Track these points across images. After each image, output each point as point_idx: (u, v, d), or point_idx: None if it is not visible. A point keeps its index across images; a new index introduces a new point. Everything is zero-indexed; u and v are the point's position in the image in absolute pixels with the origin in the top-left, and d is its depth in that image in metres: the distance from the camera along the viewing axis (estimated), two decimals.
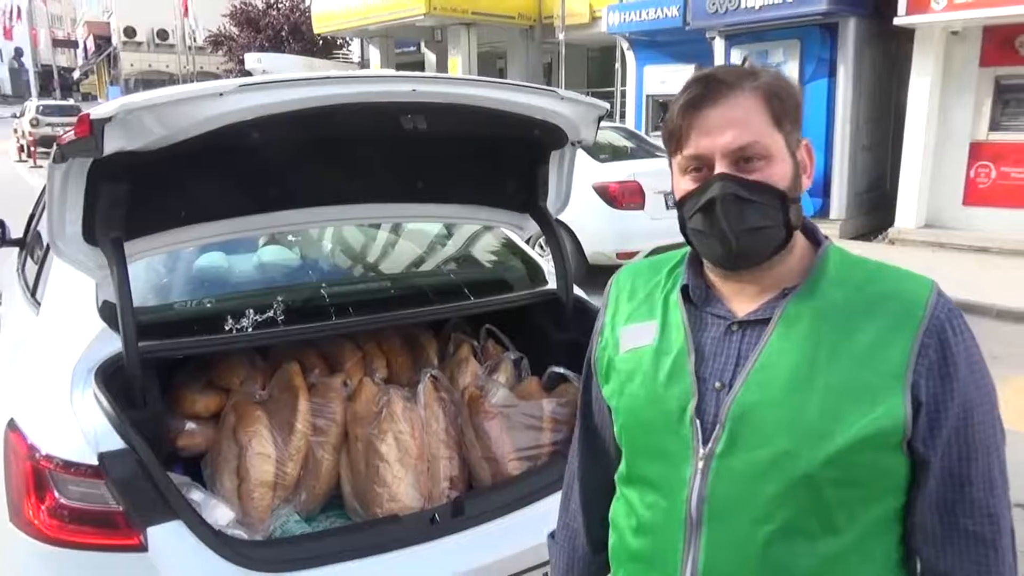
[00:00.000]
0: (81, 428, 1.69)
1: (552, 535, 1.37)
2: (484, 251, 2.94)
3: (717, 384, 0.99)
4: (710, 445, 0.97)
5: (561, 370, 2.44)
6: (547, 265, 2.66)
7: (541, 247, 5.30)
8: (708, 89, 0.96)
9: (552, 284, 2.57)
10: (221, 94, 1.61)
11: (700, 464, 0.98)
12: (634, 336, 1.09)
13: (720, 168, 0.95)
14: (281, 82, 1.67)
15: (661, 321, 1.07)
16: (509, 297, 2.54)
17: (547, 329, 2.55)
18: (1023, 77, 8.61)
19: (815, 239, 1.04)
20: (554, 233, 2.48)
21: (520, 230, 2.67)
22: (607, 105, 2.20)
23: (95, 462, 1.64)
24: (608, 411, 1.16)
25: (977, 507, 0.94)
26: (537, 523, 2.03)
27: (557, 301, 2.50)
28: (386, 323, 2.29)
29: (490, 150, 2.33)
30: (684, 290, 1.06)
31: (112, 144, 1.60)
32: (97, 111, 1.57)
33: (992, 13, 8.17)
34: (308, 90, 1.69)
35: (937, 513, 0.95)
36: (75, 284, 2.11)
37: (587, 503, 1.27)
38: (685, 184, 1.00)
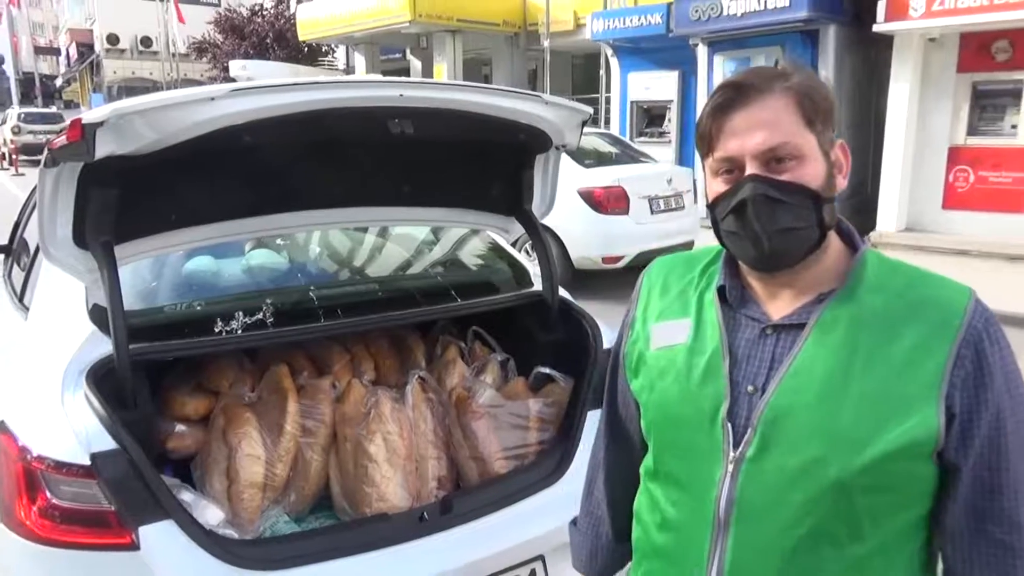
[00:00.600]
0: (73, 429, 1.71)
1: (574, 522, 1.39)
2: (471, 254, 2.97)
3: (750, 388, 0.99)
4: (741, 448, 0.98)
5: (547, 371, 2.47)
6: (533, 267, 2.70)
7: (528, 251, 5.34)
8: (738, 92, 0.96)
9: (538, 286, 2.61)
10: (212, 98, 1.64)
11: (730, 467, 0.98)
12: (667, 333, 1.09)
13: (751, 169, 0.96)
14: (272, 87, 1.70)
15: (695, 320, 1.07)
16: (495, 299, 2.57)
17: (533, 330, 2.59)
18: (999, 83, 8.74)
19: (852, 242, 1.05)
20: (539, 236, 2.52)
21: (506, 233, 2.70)
22: (590, 110, 2.25)
23: (87, 462, 1.66)
24: (635, 404, 1.17)
25: (1006, 516, 0.94)
26: (524, 520, 2.08)
27: (543, 303, 2.53)
28: (374, 325, 2.32)
29: (476, 154, 2.37)
30: (720, 290, 1.06)
31: (104, 148, 1.62)
32: (89, 115, 1.59)
33: (969, 20, 8.31)
34: (298, 95, 1.72)
35: (965, 520, 0.95)
36: (64, 288, 2.12)
37: (612, 492, 1.29)
38: (717, 186, 1.00)
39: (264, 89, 1.69)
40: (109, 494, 1.66)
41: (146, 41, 33.86)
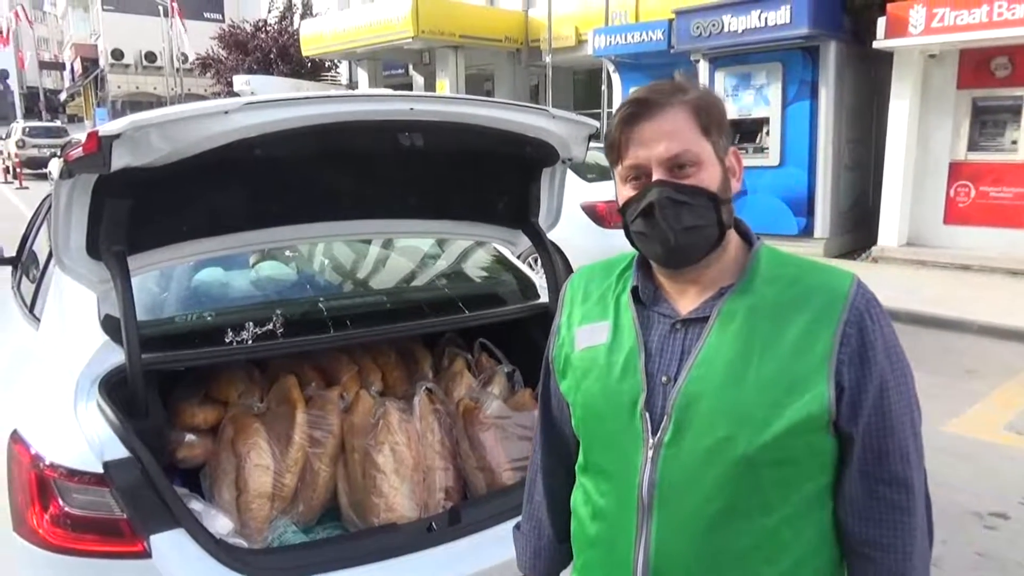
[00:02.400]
0: (86, 437, 1.72)
1: (517, 527, 1.45)
2: (477, 266, 2.99)
3: (664, 379, 1.08)
4: (659, 435, 1.06)
5: None
6: (539, 280, 2.72)
7: (531, 264, 5.36)
8: (642, 107, 1.06)
9: (544, 298, 2.62)
10: (227, 112, 1.67)
11: (650, 453, 1.07)
12: (589, 335, 1.18)
13: (657, 175, 1.05)
14: (285, 101, 1.73)
15: (613, 322, 1.16)
16: (502, 311, 2.59)
17: (540, 342, 2.59)
18: (999, 99, 8.81)
19: (749, 240, 1.14)
20: (546, 248, 2.54)
21: (512, 245, 2.72)
22: (597, 123, 2.28)
23: (100, 470, 1.67)
24: (567, 406, 1.25)
25: (894, 477, 1.05)
26: None
27: (549, 314, 2.55)
28: (383, 336, 2.34)
29: (484, 167, 2.39)
30: (634, 291, 1.16)
31: (119, 161, 1.65)
32: (106, 128, 1.62)
33: (968, 37, 8.38)
34: (311, 108, 1.75)
35: (860, 483, 1.05)
36: (75, 299, 2.14)
37: (551, 494, 1.36)
38: (626, 192, 1.10)
39: (277, 103, 1.72)
40: (122, 502, 1.67)
41: (150, 56, 34.08)
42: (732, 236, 1.13)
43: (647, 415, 1.07)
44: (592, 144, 2.34)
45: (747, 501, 1.03)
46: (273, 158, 1.87)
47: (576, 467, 1.26)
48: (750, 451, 1.01)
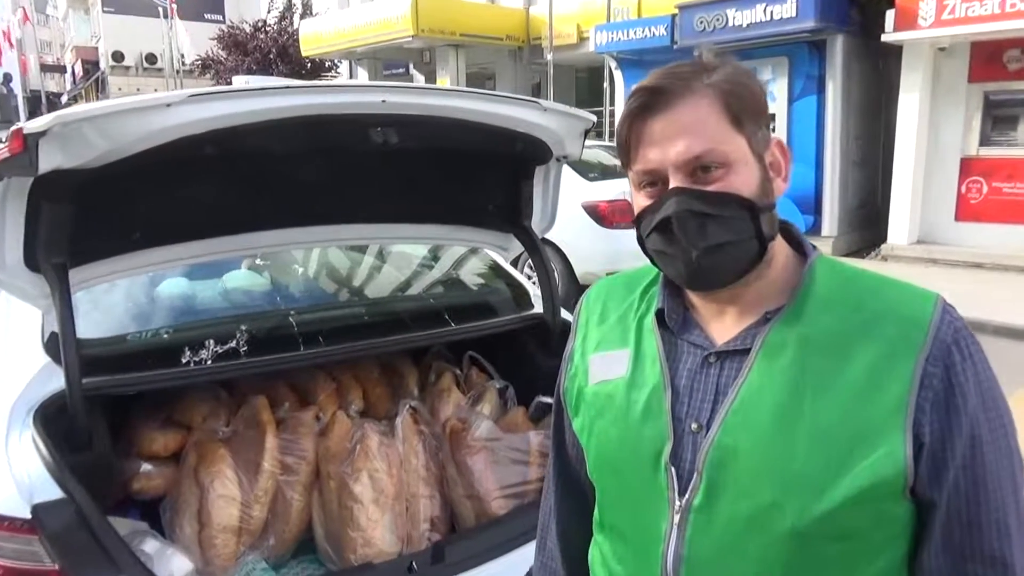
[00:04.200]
0: (14, 477, 1.53)
1: (529, 574, 1.26)
2: (466, 274, 2.80)
3: (694, 425, 0.87)
4: (687, 496, 0.86)
5: (549, 400, 2.28)
6: (534, 288, 2.52)
7: (530, 268, 5.18)
8: (655, 96, 0.85)
9: (539, 307, 2.42)
10: (168, 105, 1.47)
11: (676, 518, 0.87)
12: (605, 366, 0.98)
13: (675, 182, 0.85)
14: (234, 92, 1.53)
15: (634, 350, 0.96)
16: (493, 323, 2.39)
17: (534, 355, 2.41)
18: (1012, 92, 8.58)
19: (802, 249, 0.93)
20: (540, 253, 2.34)
21: (504, 251, 2.53)
22: (593, 117, 2.07)
23: (28, 515, 1.47)
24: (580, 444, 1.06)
25: (988, 553, 0.82)
26: (525, 568, 1.87)
27: (544, 325, 2.35)
28: (359, 353, 2.13)
29: (471, 167, 2.20)
30: (659, 314, 0.95)
31: (49, 161, 1.46)
32: (31, 125, 1.42)
33: (979, 29, 8.15)
34: (264, 101, 1.55)
35: (944, 560, 0.83)
36: (18, 316, 1.95)
37: (565, 542, 1.16)
38: (641, 200, 0.89)
39: (226, 95, 1.52)
40: (53, 551, 1.47)
41: (151, 58, 34.00)
42: (779, 247, 0.91)
43: (673, 470, 0.87)
44: (594, 141, 2.14)
45: None
46: (229, 157, 1.67)
47: (594, 519, 1.06)
48: (801, 524, 0.79)
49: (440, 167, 2.14)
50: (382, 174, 2.08)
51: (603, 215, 6.88)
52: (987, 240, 8.78)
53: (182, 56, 26.58)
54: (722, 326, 0.91)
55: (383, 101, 1.69)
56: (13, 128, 1.46)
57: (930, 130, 9.13)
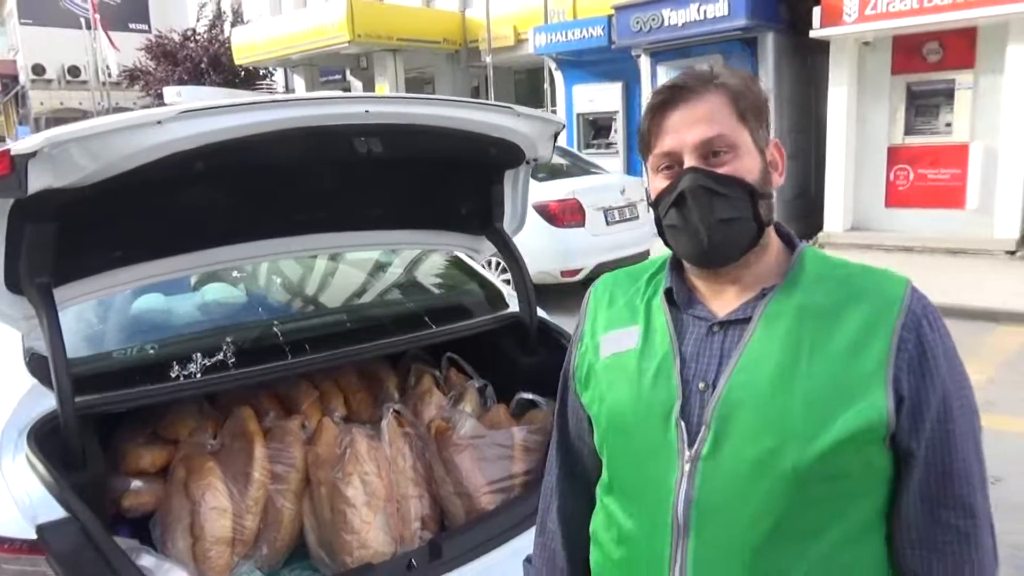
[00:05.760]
0: (14, 498, 1.51)
1: (528, 559, 1.32)
2: (441, 277, 2.84)
3: (701, 385, 0.98)
4: (696, 447, 0.96)
5: (529, 395, 2.35)
6: (507, 288, 2.58)
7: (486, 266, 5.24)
8: (674, 93, 1.00)
9: (513, 307, 2.48)
10: (159, 122, 1.48)
11: (687, 467, 0.96)
12: (616, 341, 1.08)
13: (689, 162, 0.98)
14: (226, 107, 1.55)
15: (644, 325, 1.07)
16: (472, 323, 2.44)
17: (511, 353, 2.47)
18: (932, 83, 9.01)
19: (790, 243, 1.06)
20: (513, 254, 2.40)
21: (476, 253, 2.58)
22: (564, 121, 2.15)
23: (33, 536, 1.47)
24: (587, 422, 1.15)
25: (958, 501, 0.95)
26: (517, 560, 1.93)
27: (520, 324, 2.42)
28: (347, 359, 2.16)
29: (443, 172, 2.24)
30: (668, 293, 1.07)
31: (38, 182, 1.45)
32: (19, 146, 1.42)
33: (900, 23, 8.56)
34: (255, 115, 1.57)
35: (920, 508, 0.95)
36: None
37: (566, 522, 1.23)
38: (658, 183, 1.02)
39: (218, 110, 1.54)
40: (60, 570, 1.47)
41: (74, 70, 32.72)
42: (772, 236, 1.04)
43: (683, 424, 0.97)
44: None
45: (798, 521, 0.92)
46: (217, 171, 1.68)
47: (598, 488, 1.14)
48: (800, 465, 0.91)
49: (414, 174, 2.18)
50: (359, 183, 2.12)
51: (554, 214, 6.98)
52: (916, 225, 9.19)
53: (107, 68, 25.68)
54: (723, 301, 1.03)
55: (366, 111, 1.73)
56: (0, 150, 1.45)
57: (858, 122, 9.52)
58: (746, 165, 0.98)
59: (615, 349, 1.08)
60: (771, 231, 1.04)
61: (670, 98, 0.99)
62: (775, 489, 0.92)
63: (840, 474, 0.92)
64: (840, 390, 0.92)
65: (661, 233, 1.04)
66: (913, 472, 0.94)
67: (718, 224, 0.97)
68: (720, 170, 0.97)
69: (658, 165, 1.02)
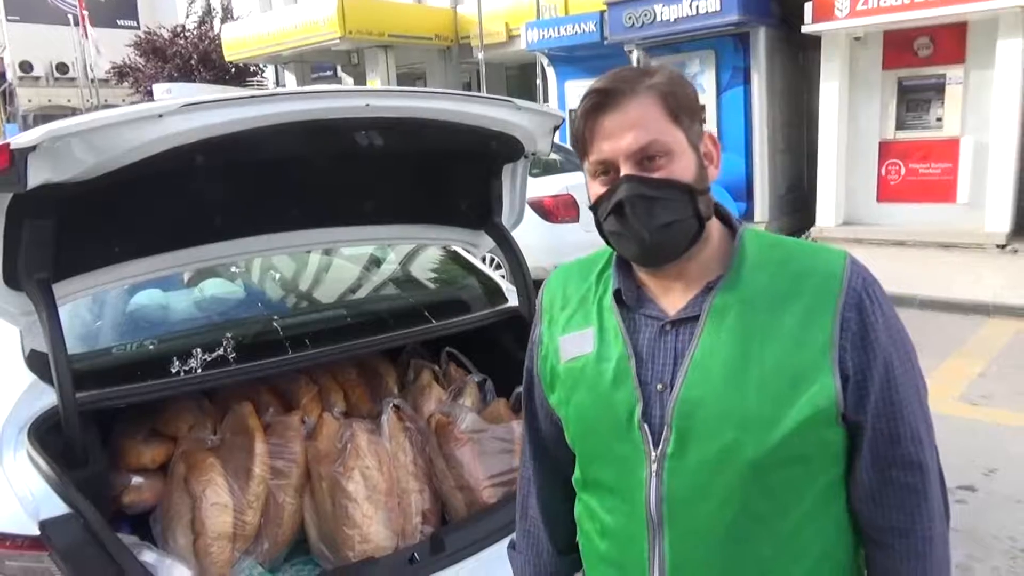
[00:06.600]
0: (16, 494, 1.51)
1: (512, 545, 1.36)
2: (440, 272, 2.84)
3: (659, 386, 1.01)
4: (660, 447, 0.99)
5: None
6: (505, 282, 2.58)
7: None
8: (606, 96, 0.99)
9: (513, 301, 2.48)
10: (160, 115, 1.47)
11: (654, 466, 1.00)
12: (574, 345, 1.10)
13: (625, 170, 0.98)
14: (227, 100, 1.55)
15: (598, 327, 1.08)
16: (471, 317, 2.44)
17: (511, 348, 2.47)
18: (923, 78, 9.04)
19: (731, 225, 1.08)
20: (512, 249, 2.41)
21: (474, 248, 2.58)
22: (563, 114, 2.15)
23: (36, 532, 1.46)
24: (556, 418, 1.17)
25: (907, 460, 0.99)
26: None
27: (519, 318, 2.42)
28: (346, 353, 2.15)
29: (442, 166, 2.24)
30: (617, 294, 1.08)
31: (38, 176, 1.44)
32: (19, 140, 1.41)
33: (891, 19, 8.58)
34: (255, 108, 1.57)
35: (872, 471, 1.00)
36: None
37: (546, 507, 1.28)
38: (596, 188, 1.02)
39: (219, 103, 1.53)
40: (64, 566, 1.46)
41: (62, 67, 32.47)
42: (714, 225, 1.05)
43: (646, 427, 1.00)
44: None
45: (761, 506, 0.97)
46: (217, 165, 1.68)
47: (573, 481, 1.18)
48: (759, 455, 0.95)
49: (413, 168, 2.18)
50: (359, 177, 2.11)
51: (548, 210, 6.99)
52: (907, 219, 9.22)
53: (92, 68, 25.49)
54: (672, 299, 1.04)
55: (367, 105, 1.72)
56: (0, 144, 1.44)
57: (850, 116, 9.54)
58: (682, 165, 0.98)
59: (574, 353, 1.09)
60: (712, 222, 1.04)
61: (600, 103, 0.99)
62: (737, 479, 0.96)
63: (797, 458, 0.96)
64: (791, 377, 0.95)
65: (603, 235, 1.05)
66: (863, 440, 0.99)
67: (659, 228, 0.97)
68: (656, 175, 0.97)
69: (595, 171, 1.01)
